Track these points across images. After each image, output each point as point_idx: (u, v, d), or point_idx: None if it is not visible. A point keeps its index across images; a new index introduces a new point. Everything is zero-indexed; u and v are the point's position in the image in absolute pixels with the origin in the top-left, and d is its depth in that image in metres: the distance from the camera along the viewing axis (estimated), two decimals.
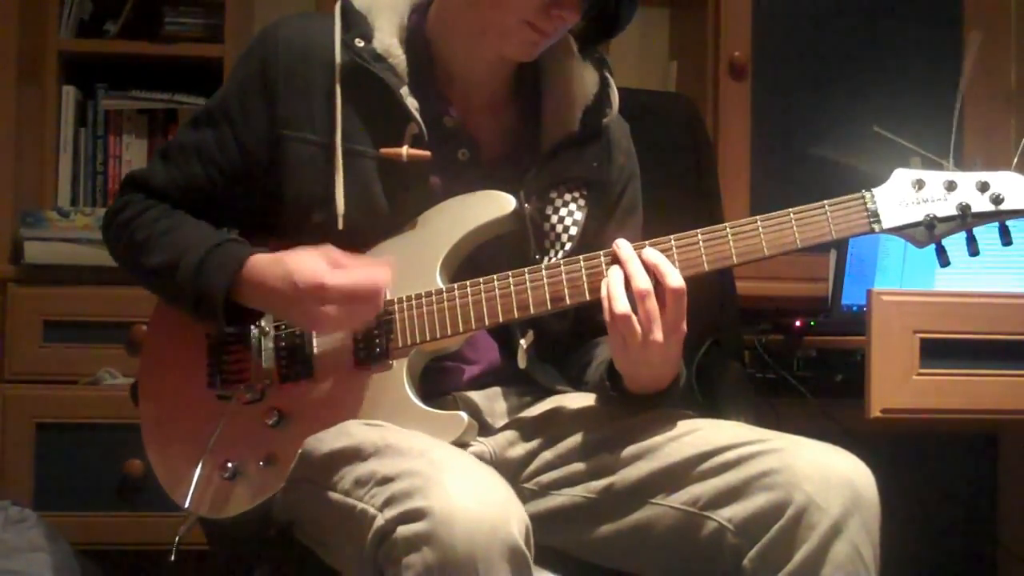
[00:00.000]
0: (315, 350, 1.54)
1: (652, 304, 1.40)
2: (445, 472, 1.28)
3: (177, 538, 1.52)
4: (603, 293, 1.43)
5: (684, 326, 1.43)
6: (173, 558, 1.52)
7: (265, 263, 1.50)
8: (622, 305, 1.41)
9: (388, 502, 1.28)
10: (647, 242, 1.45)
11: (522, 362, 1.55)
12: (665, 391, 1.51)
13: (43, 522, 2.23)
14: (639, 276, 1.42)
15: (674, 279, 1.41)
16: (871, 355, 1.85)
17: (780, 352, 2.37)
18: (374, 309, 1.47)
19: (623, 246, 1.45)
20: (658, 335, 1.41)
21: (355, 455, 1.38)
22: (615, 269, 1.44)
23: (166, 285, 1.56)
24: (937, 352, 1.86)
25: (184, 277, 1.52)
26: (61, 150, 2.69)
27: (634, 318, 1.40)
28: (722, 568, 1.41)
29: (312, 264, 1.46)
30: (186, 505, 1.53)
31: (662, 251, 1.44)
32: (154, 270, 1.56)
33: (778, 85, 2.73)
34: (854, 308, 2.39)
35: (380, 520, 1.28)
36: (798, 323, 2.32)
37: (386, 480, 1.31)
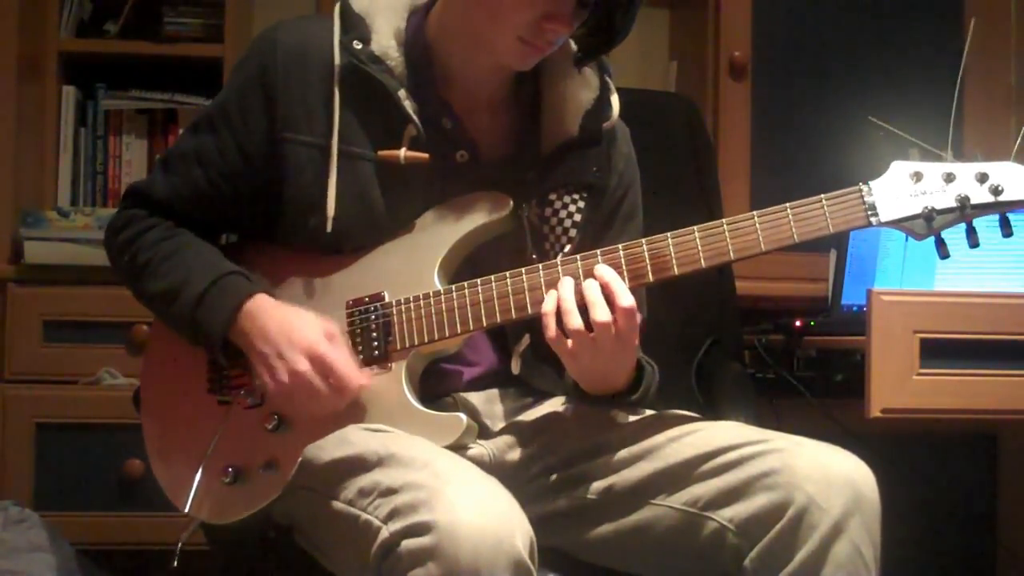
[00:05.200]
0: None
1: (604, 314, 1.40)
2: (449, 485, 1.28)
3: (179, 544, 1.51)
4: (546, 308, 1.42)
5: (636, 340, 1.43)
6: (176, 564, 1.52)
7: (267, 307, 1.51)
8: (576, 320, 1.41)
9: (392, 515, 1.28)
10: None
11: (515, 368, 1.55)
12: (624, 392, 1.52)
13: (43, 522, 2.22)
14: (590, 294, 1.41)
15: (625, 299, 1.41)
16: (871, 355, 1.85)
17: (780, 352, 2.37)
18: (337, 399, 1.47)
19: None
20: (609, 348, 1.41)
21: (359, 465, 1.37)
22: (567, 281, 1.43)
23: (166, 312, 1.57)
24: (937, 352, 1.86)
25: (183, 309, 1.52)
26: (61, 150, 2.68)
27: (583, 331, 1.41)
28: (723, 568, 1.41)
29: (313, 327, 1.48)
30: (186, 510, 1.53)
31: (658, 249, 1.43)
32: (154, 296, 1.57)
33: (778, 85, 2.73)
34: (854, 308, 2.39)
35: (385, 533, 1.28)
36: (798, 323, 2.32)
37: (390, 492, 1.30)
